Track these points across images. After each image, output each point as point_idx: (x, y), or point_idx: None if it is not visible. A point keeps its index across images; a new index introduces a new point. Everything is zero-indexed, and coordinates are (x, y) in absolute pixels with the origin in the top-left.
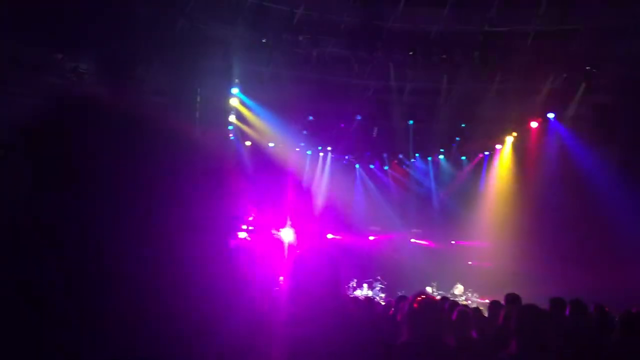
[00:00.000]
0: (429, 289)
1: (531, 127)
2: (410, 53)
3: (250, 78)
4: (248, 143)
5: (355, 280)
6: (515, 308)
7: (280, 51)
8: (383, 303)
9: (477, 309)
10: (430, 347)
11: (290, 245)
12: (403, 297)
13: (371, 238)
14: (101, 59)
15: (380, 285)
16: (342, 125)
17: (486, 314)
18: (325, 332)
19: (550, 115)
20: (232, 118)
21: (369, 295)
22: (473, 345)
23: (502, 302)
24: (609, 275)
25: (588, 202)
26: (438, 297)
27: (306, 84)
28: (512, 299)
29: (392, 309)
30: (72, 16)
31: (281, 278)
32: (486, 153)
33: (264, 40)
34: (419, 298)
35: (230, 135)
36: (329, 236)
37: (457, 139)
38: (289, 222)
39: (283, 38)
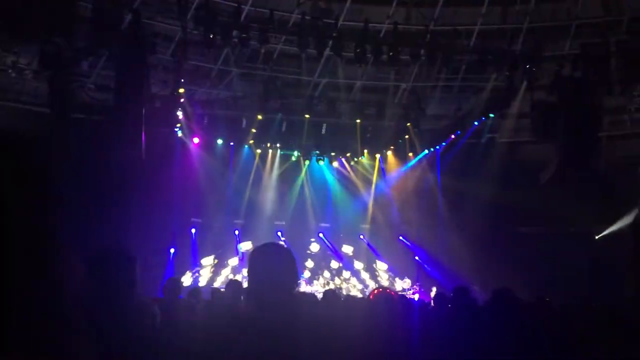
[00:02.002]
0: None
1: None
2: (357, 50)
3: (199, 74)
4: (196, 140)
5: (304, 277)
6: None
7: (228, 48)
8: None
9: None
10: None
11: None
12: (332, 291)
13: (320, 235)
14: (42, 54)
15: (331, 281)
16: (291, 122)
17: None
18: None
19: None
20: (179, 114)
21: (320, 290)
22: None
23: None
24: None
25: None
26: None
27: (255, 80)
28: (460, 291)
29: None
30: (11, 9)
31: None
32: (432, 150)
33: (211, 37)
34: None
35: (178, 131)
36: (279, 233)
37: (407, 136)
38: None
39: (231, 34)
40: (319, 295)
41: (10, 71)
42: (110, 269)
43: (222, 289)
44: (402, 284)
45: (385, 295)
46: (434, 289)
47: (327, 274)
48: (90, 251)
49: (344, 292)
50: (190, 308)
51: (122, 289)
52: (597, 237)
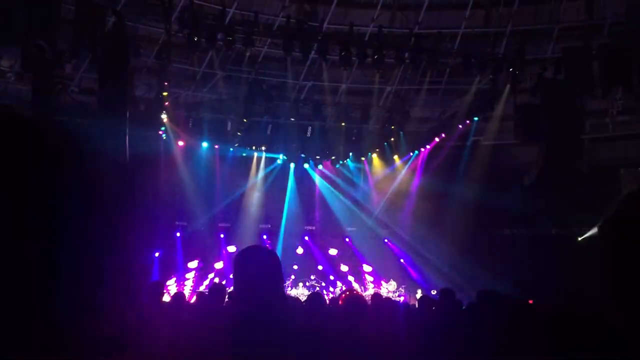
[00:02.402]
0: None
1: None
2: (342, 53)
3: (183, 77)
4: (181, 143)
5: (290, 280)
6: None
7: (213, 50)
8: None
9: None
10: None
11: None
12: (318, 294)
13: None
14: (25, 57)
15: (315, 284)
16: (276, 125)
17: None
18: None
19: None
20: (164, 117)
21: (305, 293)
22: None
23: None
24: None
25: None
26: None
27: (240, 83)
28: (444, 293)
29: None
30: None
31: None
32: (416, 152)
33: (196, 39)
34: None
35: (163, 135)
36: (264, 236)
37: (392, 139)
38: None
39: (216, 37)
40: (303, 299)
41: None
42: (108, 270)
43: (205, 293)
44: (387, 287)
45: (354, 299)
46: (419, 292)
47: (312, 277)
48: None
49: (329, 295)
50: (174, 312)
51: (119, 291)
52: (579, 239)
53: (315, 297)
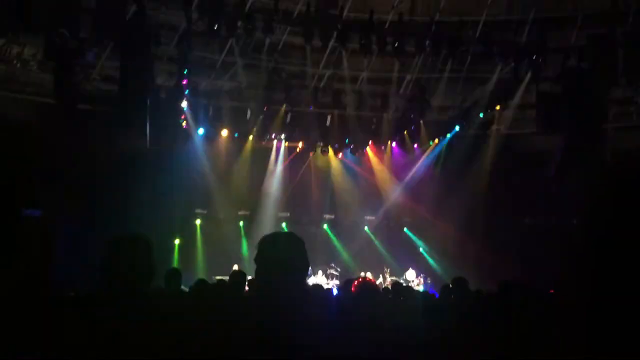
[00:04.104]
0: (369, 274)
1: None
2: (362, 41)
3: (203, 66)
4: (200, 131)
5: (310, 267)
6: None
7: (233, 39)
8: (336, 290)
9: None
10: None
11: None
12: (350, 280)
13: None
14: (47, 45)
15: (334, 272)
16: (296, 113)
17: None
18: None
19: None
20: (184, 105)
21: (324, 282)
22: None
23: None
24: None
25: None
26: (388, 281)
27: (260, 71)
28: (458, 282)
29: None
30: (16, 0)
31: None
32: (436, 141)
33: (216, 27)
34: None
35: (183, 123)
36: (284, 224)
37: (412, 127)
38: None
39: (236, 25)
40: (325, 286)
41: (15, 62)
42: (130, 253)
43: (226, 279)
44: (406, 276)
45: (367, 286)
46: (429, 280)
47: (332, 265)
48: (105, 235)
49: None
50: (195, 298)
51: (142, 274)
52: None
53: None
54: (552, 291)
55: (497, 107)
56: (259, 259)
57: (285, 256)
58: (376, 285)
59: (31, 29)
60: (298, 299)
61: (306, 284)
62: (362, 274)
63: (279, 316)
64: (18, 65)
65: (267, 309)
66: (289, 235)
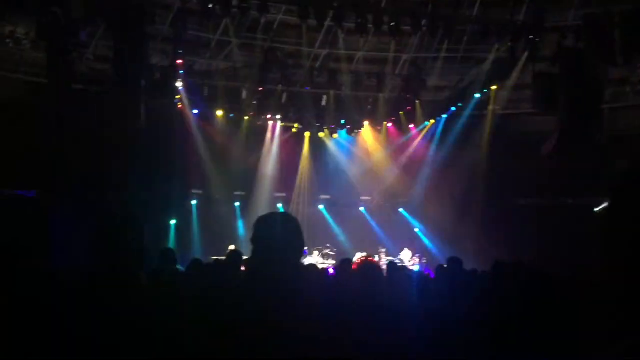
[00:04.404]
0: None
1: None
2: (358, 21)
3: (198, 45)
4: (195, 111)
5: (305, 247)
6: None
7: (228, 18)
8: (332, 270)
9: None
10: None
11: None
12: (347, 260)
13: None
14: (40, 24)
15: (330, 253)
16: (291, 94)
17: None
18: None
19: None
20: (179, 85)
21: (320, 262)
22: None
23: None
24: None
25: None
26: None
27: (255, 51)
28: (453, 262)
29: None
30: None
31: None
32: (432, 122)
33: (211, 6)
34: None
35: (178, 103)
36: (279, 205)
37: (409, 107)
38: None
39: (231, 4)
40: (321, 266)
41: (8, 41)
42: (120, 233)
43: (222, 259)
44: (402, 256)
45: (369, 265)
46: (424, 260)
47: (327, 245)
48: (98, 216)
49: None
50: (191, 278)
51: (133, 254)
52: (595, 210)
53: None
54: (546, 271)
55: (494, 87)
56: (255, 239)
57: (280, 236)
58: (378, 264)
59: (23, 8)
60: (293, 278)
61: (301, 264)
62: (358, 254)
63: (274, 295)
64: (11, 44)
65: (263, 288)
66: (285, 215)
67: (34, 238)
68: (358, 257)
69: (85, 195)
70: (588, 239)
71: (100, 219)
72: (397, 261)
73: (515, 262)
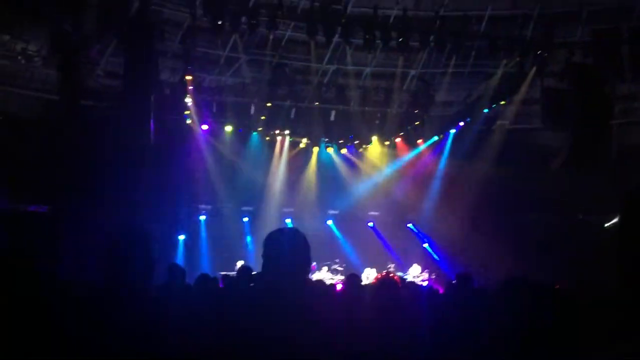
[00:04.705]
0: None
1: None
2: (366, 37)
3: (207, 61)
4: (204, 127)
5: (314, 263)
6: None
7: (237, 34)
8: (340, 286)
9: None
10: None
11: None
12: (353, 275)
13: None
14: (51, 41)
15: (339, 268)
16: (300, 109)
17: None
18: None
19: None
20: (188, 101)
21: (328, 277)
22: None
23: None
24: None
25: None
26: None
27: (263, 67)
28: (463, 278)
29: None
30: None
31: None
32: (440, 136)
33: (220, 23)
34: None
35: (187, 118)
36: (288, 220)
37: (417, 123)
38: None
39: (240, 21)
40: (329, 282)
41: (20, 58)
42: (130, 247)
43: (231, 274)
44: (410, 271)
45: (386, 281)
46: (433, 275)
47: (336, 261)
48: (107, 231)
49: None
50: (200, 294)
51: (142, 269)
52: (605, 226)
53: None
54: (557, 286)
55: (502, 102)
56: (264, 255)
57: (288, 252)
58: (397, 282)
59: (35, 24)
60: (300, 293)
61: (309, 279)
62: (367, 269)
63: (281, 310)
64: (22, 61)
65: (269, 303)
66: (293, 231)
67: (46, 252)
68: (367, 272)
69: (95, 211)
70: (598, 255)
71: (110, 235)
72: (406, 276)
73: (525, 278)
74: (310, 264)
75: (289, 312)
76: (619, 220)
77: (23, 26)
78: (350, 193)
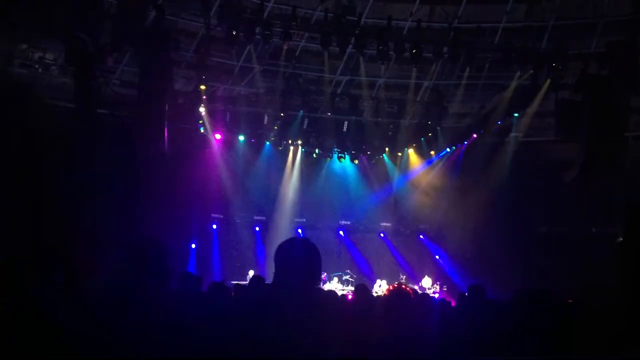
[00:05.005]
0: (384, 282)
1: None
2: (380, 48)
3: (221, 71)
4: (218, 136)
5: (325, 274)
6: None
7: (251, 44)
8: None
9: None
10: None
11: None
12: (362, 286)
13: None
14: (68, 50)
15: (350, 279)
16: (313, 119)
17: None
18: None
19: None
20: (202, 111)
21: (339, 288)
22: None
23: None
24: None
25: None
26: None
27: (277, 77)
28: (475, 290)
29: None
30: (37, 5)
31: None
32: (453, 148)
33: (234, 33)
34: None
35: (200, 128)
36: (299, 230)
37: (430, 134)
38: None
39: (254, 31)
40: (340, 292)
41: (37, 67)
42: (149, 258)
43: (243, 283)
44: (422, 283)
45: (399, 291)
46: (445, 287)
47: (347, 271)
48: (126, 241)
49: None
50: (211, 301)
51: (159, 279)
52: (619, 239)
53: (361, 289)
54: (570, 301)
55: (516, 114)
56: (276, 265)
57: (299, 263)
58: (408, 293)
59: (51, 33)
60: (311, 303)
61: (320, 290)
62: (378, 281)
63: (293, 320)
64: (39, 69)
65: (281, 313)
66: (304, 241)
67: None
68: (378, 283)
69: (109, 219)
70: (612, 269)
71: (128, 243)
72: (417, 288)
73: (537, 291)
74: (321, 273)
75: (300, 322)
76: (622, 232)
77: (40, 35)
78: (362, 204)
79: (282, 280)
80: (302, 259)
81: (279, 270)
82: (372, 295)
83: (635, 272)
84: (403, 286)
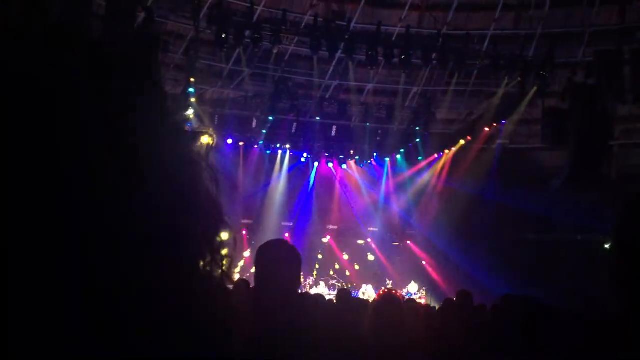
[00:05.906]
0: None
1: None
2: (369, 53)
3: (210, 74)
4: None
5: (312, 279)
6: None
7: (240, 48)
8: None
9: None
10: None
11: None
12: (344, 290)
13: (325, 240)
14: None
15: (337, 284)
16: (301, 124)
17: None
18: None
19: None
20: (190, 113)
21: (326, 292)
22: None
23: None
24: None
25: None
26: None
27: (266, 81)
28: (462, 295)
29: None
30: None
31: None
32: (441, 154)
33: (224, 36)
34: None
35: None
36: (287, 234)
37: (418, 140)
38: None
39: (244, 35)
40: (327, 297)
41: None
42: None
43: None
44: (409, 289)
45: (388, 297)
46: (431, 293)
47: (331, 273)
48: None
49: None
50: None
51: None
52: (605, 247)
53: (343, 293)
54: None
55: (503, 121)
56: (255, 269)
57: (275, 265)
58: (397, 298)
59: None
60: (289, 307)
61: (307, 294)
62: (364, 285)
63: (271, 325)
64: None
65: (259, 318)
66: (281, 243)
67: None
68: (364, 288)
69: None
70: (597, 276)
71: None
72: (404, 293)
73: (523, 297)
74: (300, 276)
75: (278, 326)
76: (615, 231)
77: None
78: (350, 209)
79: (259, 285)
80: (278, 261)
81: (257, 275)
82: (356, 300)
83: (628, 280)
84: (393, 292)
